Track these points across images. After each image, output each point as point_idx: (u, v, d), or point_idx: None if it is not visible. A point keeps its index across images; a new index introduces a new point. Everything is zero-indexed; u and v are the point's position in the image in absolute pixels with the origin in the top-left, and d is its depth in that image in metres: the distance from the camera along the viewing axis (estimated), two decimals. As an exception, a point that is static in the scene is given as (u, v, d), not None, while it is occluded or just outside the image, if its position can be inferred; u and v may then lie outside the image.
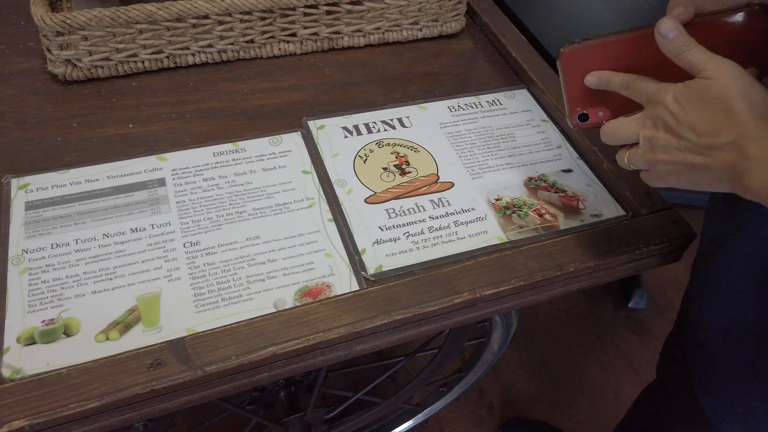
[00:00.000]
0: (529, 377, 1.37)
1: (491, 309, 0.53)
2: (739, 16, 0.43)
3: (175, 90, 0.68)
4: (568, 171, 0.65)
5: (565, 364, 1.40)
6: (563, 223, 0.59)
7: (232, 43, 0.70)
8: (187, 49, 0.68)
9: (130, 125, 0.63)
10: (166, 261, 0.52)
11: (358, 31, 0.75)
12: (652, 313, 1.51)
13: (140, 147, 0.61)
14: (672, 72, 0.42)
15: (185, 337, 0.46)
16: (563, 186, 0.63)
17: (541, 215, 0.59)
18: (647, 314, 1.51)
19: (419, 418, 1.13)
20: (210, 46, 0.69)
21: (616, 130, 0.46)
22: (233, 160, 0.61)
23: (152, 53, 0.67)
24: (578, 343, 1.44)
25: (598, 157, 0.65)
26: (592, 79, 0.47)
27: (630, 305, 1.52)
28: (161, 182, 0.58)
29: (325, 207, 0.58)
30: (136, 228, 0.54)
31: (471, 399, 1.31)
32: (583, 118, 0.49)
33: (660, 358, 0.75)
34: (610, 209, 0.61)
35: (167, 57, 0.68)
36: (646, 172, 0.45)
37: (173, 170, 0.59)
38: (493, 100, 0.72)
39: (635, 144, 0.45)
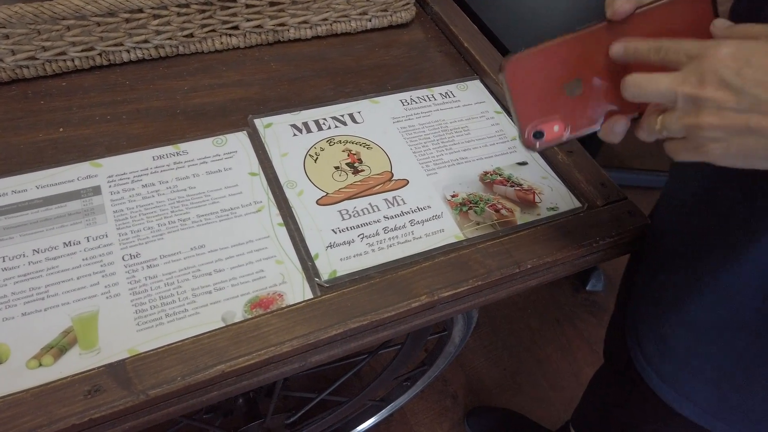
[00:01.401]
0: (492, 364, 1.38)
1: (450, 310, 0.52)
2: (684, 2, 0.41)
3: (110, 89, 0.64)
4: (523, 164, 0.63)
5: (527, 350, 1.41)
6: (520, 217, 0.58)
7: (170, 38, 0.66)
8: (121, 45, 0.64)
9: (61, 129, 0.59)
10: (103, 276, 0.49)
11: (305, 22, 0.72)
12: (609, 294, 1.54)
13: (72, 153, 0.57)
14: (640, 68, 0.40)
15: (126, 359, 0.43)
16: (519, 179, 0.61)
17: (497, 210, 0.58)
18: (604, 296, 1.54)
19: (384, 413, 1.12)
20: (146, 41, 0.65)
21: (646, 82, 0.38)
22: (174, 163, 0.58)
23: (83, 51, 0.63)
24: (538, 328, 1.46)
25: (552, 149, 0.64)
26: (618, 49, 0.40)
27: (587, 288, 1.54)
28: (96, 190, 0.54)
29: (275, 211, 0.55)
30: (69, 242, 0.50)
31: (435, 389, 1.31)
32: (538, 135, 0.44)
33: (605, 341, 0.76)
34: (566, 202, 0.60)
35: (99, 54, 0.64)
36: (677, 141, 0.38)
37: (109, 177, 0.55)
38: (446, 93, 0.70)
39: (656, 111, 0.39)
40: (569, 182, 0.62)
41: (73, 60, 0.63)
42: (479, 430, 1.22)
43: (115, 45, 0.64)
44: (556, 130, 0.44)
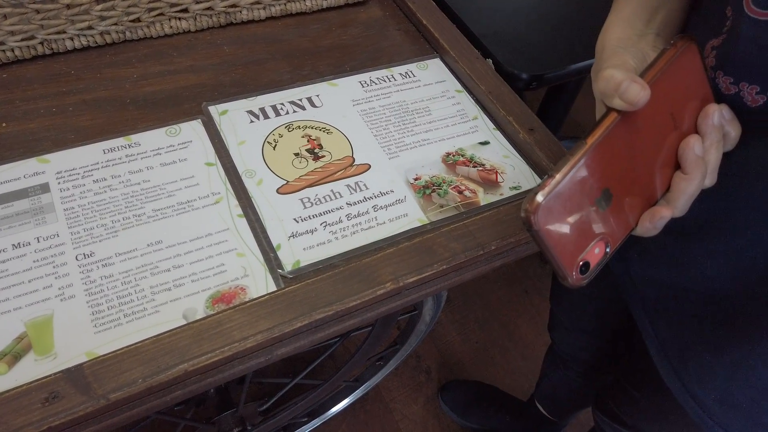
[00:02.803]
0: (464, 338, 1.39)
1: (415, 295, 0.52)
2: (678, 62, 0.39)
3: (54, 80, 0.61)
4: (485, 143, 0.63)
5: (498, 322, 1.43)
6: (483, 198, 0.58)
7: (116, 24, 0.63)
8: (64, 33, 0.61)
9: (4, 124, 0.56)
10: (56, 278, 0.47)
11: (258, 2, 0.70)
12: (576, 263, 1.57)
13: (17, 149, 0.54)
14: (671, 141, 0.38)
15: (84, 363, 0.42)
16: (481, 159, 0.61)
17: (461, 192, 0.58)
18: (571, 265, 1.57)
19: (359, 393, 1.12)
20: (90, 28, 0.62)
21: None
22: (126, 156, 0.56)
23: (22, 40, 0.59)
24: (508, 300, 1.48)
25: (514, 127, 0.63)
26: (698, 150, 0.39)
27: (555, 258, 1.56)
28: (44, 188, 0.52)
29: (234, 202, 0.54)
30: (18, 243, 0.48)
31: (409, 366, 1.32)
32: (584, 269, 0.38)
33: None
34: (529, 180, 0.60)
35: (41, 43, 0.61)
36: None
37: (58, 173, 0.53)
38: (406, 72, 0.69)
39: None
40: (531, 160, 0.62)
41: (12, 50, 0.60)
42: (453, 404, 1.24)
43: (57, 33, 0.61)
44: (597, 253, 0.39)
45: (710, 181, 0.40)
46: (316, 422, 1.13)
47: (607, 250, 0.39)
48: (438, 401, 1.26)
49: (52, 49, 0.62)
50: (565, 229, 0.36)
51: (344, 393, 1.12)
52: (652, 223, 0.39)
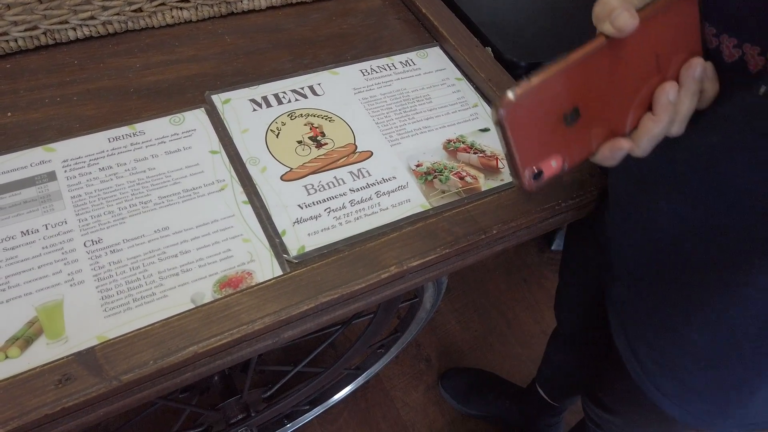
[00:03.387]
0: (463, 327, 1.41)
1: (418, 279, 0.53)
2: (675, 8, 0.39)
3: (58, 70, 0.61)
4: (485, 130, 0.64)
5: (497, 310, 1.44)
6: (484, 184, 0.59)
7: (118, 14, 0.63)
8: (67, 23, 0.61)
9: (9, 114, 0.57)
10: (65, 264, 0.48)
11: (258, -8, 0.70)
12: (574, 252, 1.58)
13: (23, 138, 0.55)
14: (648, 72, 0.39)
15: (95, 346, 0.43)
16: (482, 146, 0.62)
17: (462, 178, 0.59)
18: (569, 254, 1.58)
19: (360, 380, 1.13)
20: (93, 18, 0.62)
21: None
22: (131, 144, 0.56)
23: (26, 30, 0.60)
24: (507, 289, 1.49)
25: (513, 113, 0.64)
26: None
27: (552, 248, 1.57)
28: (51, 176, 0.53)
29: (239, 189, 0.55)
30: (27, 230, 0.49)
31: (409, 354, 1.33)
32: (537, 175, 0.39)
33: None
34: (529, 166, 0.61)
35: (44, 33, 0.61)
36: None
37: (64, 161, 0.54)
38: (406, 61, 0.70)
39: None
40: (531, 146, 0.62)
41: (16, 40, 0.60)
42: (453, 391, 1.26)
43: (60, 23, 0.61)
44: (554, 166, 0.40)
45: (677, 129, 0.40)
46: (317, 410, 1.14)
47: (564, 166, 0.40)
48: (438, 389, 1.27)
49: (55, 39, 0.62)
50: (529, 130, 0.37)
51: (345, 381, 1.13)
52: (611, 152, 0.40)
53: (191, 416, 0.85)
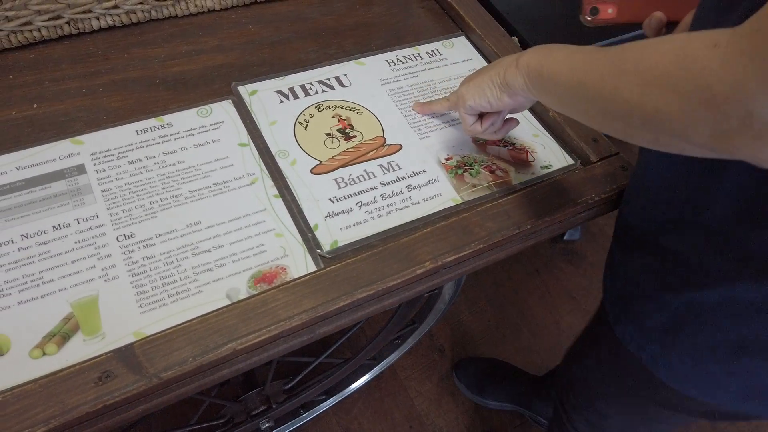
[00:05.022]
0: (476, 317, 1.40)
1: (452, 274, 0.52)
2: None
3: (82, 60, 0.60)
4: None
5: (509, 301, 1.44)
6: (515, 177, 0.58)
7: (141, 2, 0.62)
8: (90, 12, 0.60)
9: (35, 105, 0.56)
10: (99, 259, 0.47)
11: (282, -19, 0.69)
12: (587, 241, 1.58)
13: (50, 130, 0.54)
14: None
15: (134, 342, 0.42)
16: (511, 139, 0.61)
17: (492, 172, 0.58)
18: (582, 244, 1.57)
19: (375, 371, 1.13)
20: (116, 7, 0.61)
21: None
22: (160, 137, 0.56)
23: (49, 19, 0.59)
24: (519, 279, 1.49)
25: (542, 105, 0.63)
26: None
27: (565, 237, 1.57)
28: (80, 169, 0.52)
29: (269, 182, 0.54)
30: (59, 224, 0.49)
31: (422, 344, 1.33)
32: (594, 11, 0.55)
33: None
34: (559, 159, 0.60)
35: (67, 23, 0.60)
36: None
37: (92, 154, 0.53)
38: (432, 51, 0.69)
39: None
40: (561, 139, 0.62)
41: (39, 30, 0.59)
42: (467, 380, 1.26)
43: (84, 12, 0.60)
44: (609, 12, 0.55)
45: None
46: (332, 400, 1.14)
47: (615, 15, 0.55)
48: (453, 378, 1.27)
49: (78, 28, 0.61)
50: None
51: (361, 371, 1.13)
52: (651, 23, 0.51)
53: (210, 408, 0.85)
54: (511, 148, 0.60)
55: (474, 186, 0.56)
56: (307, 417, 1.13)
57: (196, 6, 0.66)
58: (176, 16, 0.66)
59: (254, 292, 0.47)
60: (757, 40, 0.26)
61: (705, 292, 0.45)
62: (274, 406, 0.83)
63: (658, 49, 0.32)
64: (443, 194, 0.55)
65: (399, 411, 1.24)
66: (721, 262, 0.43)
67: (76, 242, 0.48)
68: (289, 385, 0.84)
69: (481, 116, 0.55)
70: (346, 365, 0.91)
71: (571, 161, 0.60)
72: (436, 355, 1.33)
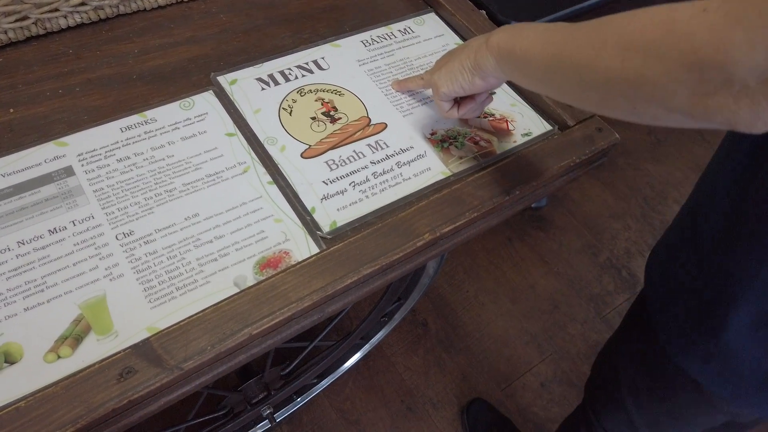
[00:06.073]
0: (455, 288, 1.44)
1: (449, 244, 0.54)
2: None
3: (53, 61, 0.59)
4: (492, 93, 0.65)
5: (485, 270, 1.48)
6: (498, 146, 0.60)
7: (110, -2, 0.61)
8: (57, 11, 0.59)
9: (11, 110, 0.55)
10: (101, 259, 0.47)
11: (248, -33, 0.69)
12: (552, 207, 1.62)
13: (31, 134, 0.53)
14: None
15: (150, 337, 0.43)
16: (491, 110, 0.63)
17: (476, 143, 0.60)
18: (548, 210, 1.62)
19: (365, 350, 1.15)
20: (83, 4, 0.60)
21: None
22: (145, 133, 0.55)
23: (16, 21, 0.57)
24: (493, 249, 1.52)
25: (518, 75, 0.65)
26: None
27: (532, 205, 1.61)
28: (68, 171, 0.51)
29: (262, 170, 0.54)
30: (54, 228, 0.48)
31: (406, 321, 1.36)
32: None
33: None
34: (538, 126, 0.62)
35: (35, 23, 0.59)
36: None
37: (79, 155, 0.52)
38: (404, 29, 0.70)
39: None
40: (538, 106, 0.64)
41: (6, 32, 0.58)
42: (474, 423, 1.22)
43: (51, 11, 0.59)
44: None
45: None
46: (325, 383, 1.16)
47: None
48: (462, 415, 1.24)
49: (45, 28, 0.60)
50: None
51: (351, 352, 1.15)
52: None
53: (209, 400, 0.86)
54: (491, 119, 0.62)
55: (461, 158, 0.58)
56: (300, 402, 1.14)
57: (163, -2, 0.65)
58: (145, 9, 0.65)
59: (261, 278, 0.47)
60: (746, 5, 0.28)
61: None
62: (273, 393, 0.84)
63: (640, 18, 0.34)
64: (432, 168, 0.57)
65: (389, 387, 1.26)
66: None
67: (74, 244, 0.48)
68: (287, 370, 0.85)
69: (457, 100, 0.56)
70: (340, 346, 0.92)
71: (549, 127, 0.62)
72: (420, 329, 1.36)
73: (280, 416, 1.08)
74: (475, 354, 1.34)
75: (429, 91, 0.63)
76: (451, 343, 1.35)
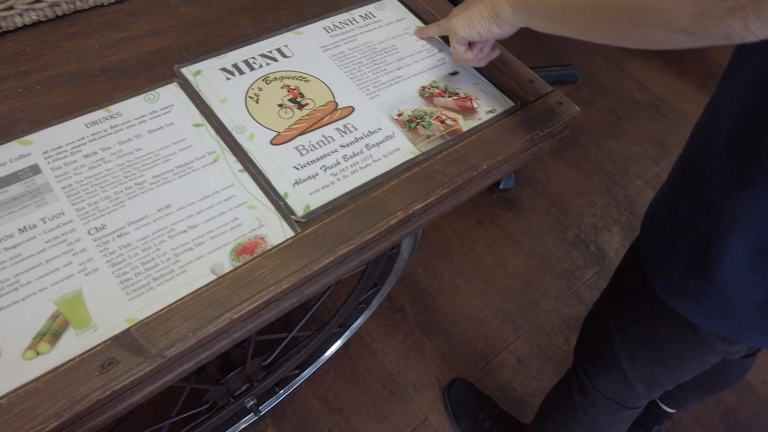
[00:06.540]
0: (429, 273, 1.45)
1: (421, 222, 0.55)
2: None
3: (11, 60, 0.58)
4: (455, 73, 0.66)
5: (458, 253, 1.50)
6: (464, 124, 0.61)
7: (66, -6, 0.60)
8: (12, 9, 0.58)
9: (-30, 111, 0.54)
10: (74, 254, 0.47)
11: (205, -42, 0.68)
12: (520, 188, 1.65)
13: (-7, 134, 0.52)
14: None
15: (129, 327, 0.43)
16: (455, 89, 0.64)
17: (443, 122, 0.61)
18: (516, 191, 1.65)
19: (344, 338, 1.16)
20: (39, 1, 0.59)
21: None
22: (111, 127, 0.55)
23: (-31, 20, 0.56)
24: (465, 231, 1.54)
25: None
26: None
27: (500, 187, 1.64)
28: (35, 169, 0.51)
29: (232, 158, 0.55)
30: (24, 227, 0.48)
31: (383, 307, 1.37)
32: None
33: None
34: (501, 103, 0.64)
35: (-11, 22, 0.58)
36: None
37: (44, 153, 0.52)
38: (365, 14, 0.70)
39: None
40: (500, 84, 0.65)
41: (-41, 32, 0.56)
42: (455, 405, 1.23)
43: (5, 9, 0.58)
44: None
45: None
46: (306, 373, 1.17)
47: None
48: (444, 397, 1.25)
49: (1, 27, 0.59)
50: None
51: (330, 341, 1.16)
52: None
53: (192, 395, 0.85)
54: (456, 97, 0.63)
55: (428, 137, 0.59)
56: (283, 394, 1.15)
57: (120, -8, 0.64)
58: (103, 4, 0.64)
59: (238, 264, 0.48)
60: None
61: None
62: (255, 384, 0.84)
63: None
64: (401, 148, 0.58)
65: (370, 373, 1.27)
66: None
67: (46, 241, 0.47)
68: (267, 361, 0.86)
69: (470, 45, 0.61)
70: (319, 334, 0.93)
71: (511, 103, 0.64)
72: (397, 315, 1.37)
73: (263, 409, 1.09)
74: (452, 335, 1.36)
75: (394, 73, 0.64)
76: (429, 326, 1.37)
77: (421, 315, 1.38)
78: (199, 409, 0.83)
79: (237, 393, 0.82)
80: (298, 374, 1.15)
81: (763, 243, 0.51)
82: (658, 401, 1.06)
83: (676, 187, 0.61)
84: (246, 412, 0.88)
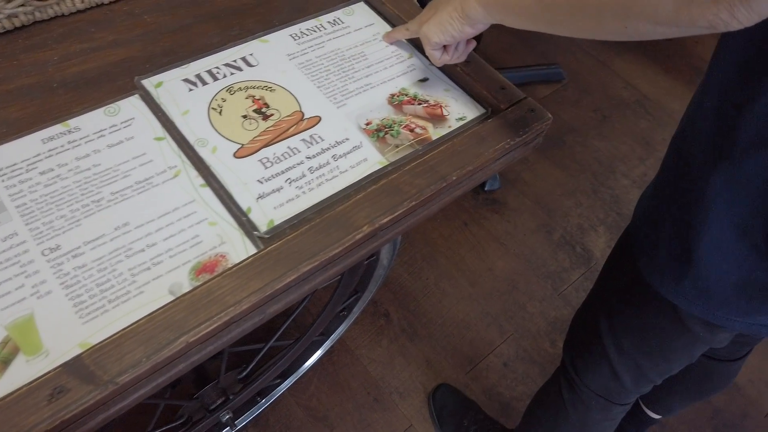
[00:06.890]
0: (415, 277, 1.44)
1: (389, 235, 0.54)
2: None
3: (-34, 73, 0.56)
4: (425, 80, 0.65)
5: (443, 256, 1.49)
6: (434, 133, 0.60)
7: (23, 5, 0.58)
8: (-35, 20, 0.56)
9: None
10: (26, 276, 0.45)
11: (169, -35, 0.67)
12: (506, 189, 1.64)
13: (-56, 152, 0.51)
14: None
15: (82, 353, 0.41)
16: (424, 96, 0.63)
17: (412, 130, 0.59)
18: (501, 192, 1.64)
19: (326, 346, 1.15)
20: (-6, 12, 0.57)
21: None
22: (69, 143, 0.53)
23: None
24: (450, 234, 1.53)
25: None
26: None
27: (486, 188, 1.63)
28: (-12, 188, 0.49)
29: (193, 172, 0.53)
30: (-25, 249, 0.46)
31: (367, 313, 1.36)
32: None
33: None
34: (472, 110, 0.63)
35: (-59, 34, 0.56)
36: None
37: (-2, 171, 0.50)
38: (334, 20, 0.69)
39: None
40: (471, 91, 0.64)
41: None
42: (440, 410, 1.23)
43: (-42, 21, 0.56)
44: None
45: None
46: (288, 382, 1.15)
47: None
48: (429, 402, 1.24)
49: (-46, 40, 0.57)
50: None
51: (312, 349, 1.15)
52: None
53: (167, 411, 0.84)
54: (425, 105, 0.62)
55: (397, 146, 0.58)
56: (265, 403, 1.13)
57: (83, 2, 0.63)
58: (63, 14, 0.62)
59: (197, 284, 0.46)
60: None
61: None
62: (231, 397, 0.83)
63: None
64: (369, 159, 0.56)
65: (355, 380, 1.26)
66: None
67: (-2, 264, 0.46)
68: (244, 374, 0.84)
69: (444, 47, 0.60)
70: (296, 345, 0.91)
71: (482, 110, 0.62)
72: (382, 320, 1.36)
73: (244, 419, 1.07)
74: (438, 340, 1.35)
75: (363, 80, 0.63)
76: (414, 331, 1.36)
77: (406, 320, 1.37)
78: (174, 424, 0.82)
79: (212, 407, 0.80)
80: (280, 383, 1.13)
81: (740, 223, 0.51)
82: (644, 407, 1.05)
83: (664, 169, 0.62)
84: (223, 425, 0.87)
